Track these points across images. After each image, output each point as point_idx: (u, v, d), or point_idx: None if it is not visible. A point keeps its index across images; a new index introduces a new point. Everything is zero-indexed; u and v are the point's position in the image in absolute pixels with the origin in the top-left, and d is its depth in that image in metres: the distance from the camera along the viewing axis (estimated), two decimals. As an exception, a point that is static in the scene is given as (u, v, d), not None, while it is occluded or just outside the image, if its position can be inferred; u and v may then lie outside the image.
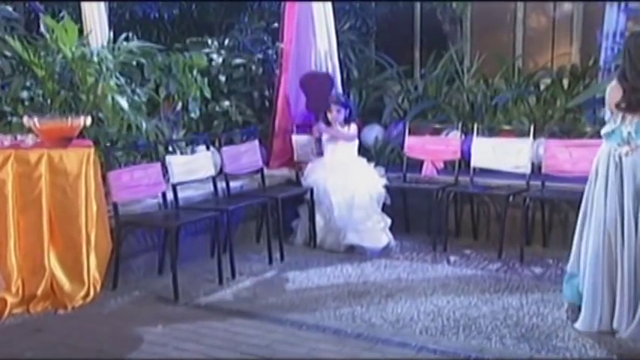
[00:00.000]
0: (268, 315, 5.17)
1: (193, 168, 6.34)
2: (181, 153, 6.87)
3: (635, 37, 4.52)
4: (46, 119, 5.42)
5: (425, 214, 6.97)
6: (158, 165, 6.03)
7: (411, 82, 8.59)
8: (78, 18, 7.06)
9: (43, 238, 5.21)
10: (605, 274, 4.57)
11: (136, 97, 6.71)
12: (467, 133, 7.29)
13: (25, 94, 6.46)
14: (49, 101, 6.44)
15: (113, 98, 6.28)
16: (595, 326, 4.61)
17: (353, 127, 7.18)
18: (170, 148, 6.91)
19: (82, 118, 5.42)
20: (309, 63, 7.44)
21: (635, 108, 4.42)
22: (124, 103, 6.30)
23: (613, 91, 4.52)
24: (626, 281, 4.43)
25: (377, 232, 6.67)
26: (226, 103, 7.66)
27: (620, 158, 4.49)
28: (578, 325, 4.73)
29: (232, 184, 6.83)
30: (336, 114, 7.05)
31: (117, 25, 8.55)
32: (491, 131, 7.41)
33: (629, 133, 4.45)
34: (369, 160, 7.55)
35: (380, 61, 8.75)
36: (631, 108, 4.42)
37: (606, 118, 4.61)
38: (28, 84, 6.49)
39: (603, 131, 4.62)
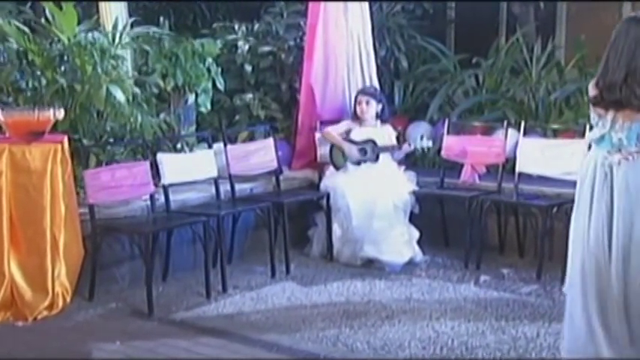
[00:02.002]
0: (243, 334, 5.23)
1: (190, 168, 6.46)
2: (190, 151, 7.01)
3: (628, 23, 4.31)
4: (12, 112, 5.63)
5: (467, 226, 6.81)
6: (145, 164, 6.15)
7: (468, 73, 8.41)
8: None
9: (2, 242, 5.37)
10: (592, 301, 4.38)
11: (137, 89, 6.92)
12: (525, 132, 7.08)
13: (29, 84, 6.72)
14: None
15: (108, 89, 6.43)
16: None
17: (389, 130, 7.14)
18: (179, 145, 7.06)
19: (51, 112, 5.60)
20: (339, 50, 7.37)
21: (606, 105, 4.25)
22: (119, 94, 6.46)
23: (592, 86, 4.37)
24: (619, 309, 4.24)
25: (398, 245, 6.61)
26: (249, 95, 7.74)
27: (611, 168, 4.28)
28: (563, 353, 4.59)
29: (243, 186, 6.92)
30: (365, 106, 7.01)
31: (148, 9, 8.84)
32: (554, 132, 7.21)
33: (619, 140, 4.25)
34: (412, 162, 7.52)
35: (430, 48, 8.62)
36: (602, 104, 4.26)
37: (593, 122, 4.42)
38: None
39: (591, 136, 4.44)
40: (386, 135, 7.05)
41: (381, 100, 7.10)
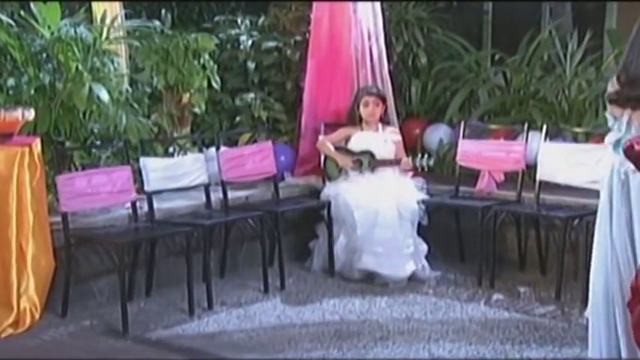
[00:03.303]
0: (220, 355, 5.24)
1: (177, 174, 6.47)
2: (184, 155, 7.02)
3: None
4: (-24, 113, 5.69)
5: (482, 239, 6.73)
6: (126, 169, 6.18)
7: (493, 71, 8.34)
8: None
9: (-37, 253, 5.43)
10: (620, 329, 4.30)
11: (129, 88, 6.96)
12: (553, 136, 7.00)
13: (11, 81, 6.79)
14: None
15: (91, 88, 6.46)
16: None
17: (393, 133, 7.15)
18: (171, 149, 7.09)
19: (19, 112, 5.64)
20: (346, 46, 7.34)
21: (624, 102, 4.15)
22: (103, 94, 6.48)
23: (611, 82, 4.28)
24: None
25: (401, 258, 6.57)
26: (250, 95, 7.74)
27: (627, 175, 4.18)
28: None
29: (238, 194, 6.95)
30: (373, 108, 6.97)
31: (151, 2, 8.88)
32: (586, 136, 7.12)
33: None
34: (430, 168, 7.46)
35: (452, 43, 8.55)
36: (620, 102, 4.17)
37: (609, 124, 4.34)
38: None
39: (608, 140, 4.34)
40: (389, 140, 7.03)
41: (385, 100, 7.06)
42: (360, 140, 6.96)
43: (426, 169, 6.87)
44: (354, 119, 7.05)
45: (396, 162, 6.96)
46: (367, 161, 6.92)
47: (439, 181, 7.42)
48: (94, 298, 6.12)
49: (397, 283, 6.50)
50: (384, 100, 7.06)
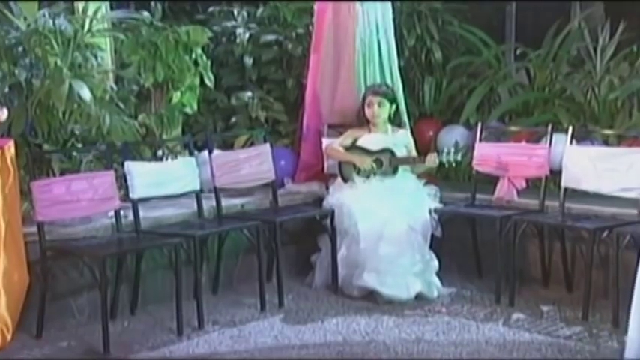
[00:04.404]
0: (211, 380, 5.20)
1: (166, 179, 6.45)
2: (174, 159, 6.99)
3: None
4: (-57, 113, 5.67)
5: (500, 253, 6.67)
6: (109, 174, 6.15)
7: (515, 67, 8.30)
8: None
9: None
10: None
11: (115, 85, 6.94)
12: (580, 139, 6.95)
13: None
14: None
15: (71, 85, 6.43)
16: None
17: (405, 136, 7.13)
18: (159, 153, 7.06)
19: (-9, 112, 5.63)
20: (352, 40, 7.30)
21: None
22: (85, 92, 6.44)
23: None
24: None
25: (406, 276, 6.51)
26: (247, 94, 7.71)
27: None
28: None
29: (234, 201, 6.95)
30: (377, 109, 6.93)
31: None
32: (617, 139, 7.08)
33: None
34: (443, 174, 7.43)
35: (470, 37, 8.51)
36: None
37: None
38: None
39: None
40: (400, 142, 6.97)
41: (395, 100, 7.01)
42: (367, 143, 6.89)
43: (453, 165, 6.81)
44: (361, 121, 6.99)
45: (421, 160, 6.88)
46: (388, 160, 6.86)
47: (454, 188, 7.41)
48: (72, 317, 6.08)
49: (403, 302, 6.46)
50: (391, 100, 6.99)
